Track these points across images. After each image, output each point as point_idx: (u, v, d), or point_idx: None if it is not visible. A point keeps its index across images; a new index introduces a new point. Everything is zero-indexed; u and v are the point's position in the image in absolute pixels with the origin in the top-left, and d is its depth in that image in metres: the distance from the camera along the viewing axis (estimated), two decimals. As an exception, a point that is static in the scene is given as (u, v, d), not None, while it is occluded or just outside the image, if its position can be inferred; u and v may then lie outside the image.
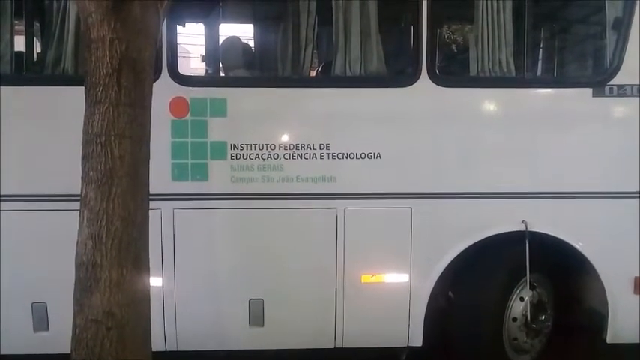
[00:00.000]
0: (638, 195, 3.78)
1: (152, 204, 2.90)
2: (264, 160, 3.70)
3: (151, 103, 2.80)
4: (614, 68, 3.80)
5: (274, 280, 3.78)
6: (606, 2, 3.87)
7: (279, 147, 3.71)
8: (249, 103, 3.76)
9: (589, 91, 3.78)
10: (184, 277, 3.72)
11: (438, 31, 3.99)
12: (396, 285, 3.82)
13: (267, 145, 3.70)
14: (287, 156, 3.71)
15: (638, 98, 3.76)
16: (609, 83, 3.77)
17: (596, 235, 3.82)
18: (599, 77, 3.89)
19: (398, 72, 4.17)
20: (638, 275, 3.84)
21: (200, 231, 3.75)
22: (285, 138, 3.75)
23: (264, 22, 5.13)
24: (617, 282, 3.84)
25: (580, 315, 4.17)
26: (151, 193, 2.86)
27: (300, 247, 3.77)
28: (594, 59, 4.49)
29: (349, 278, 3.79)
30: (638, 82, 3.74)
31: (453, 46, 6.49)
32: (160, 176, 3.39)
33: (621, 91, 3.76)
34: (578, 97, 3.82)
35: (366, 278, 3.81)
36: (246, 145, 3.69)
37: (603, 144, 3.80)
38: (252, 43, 5.09)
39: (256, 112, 3.75)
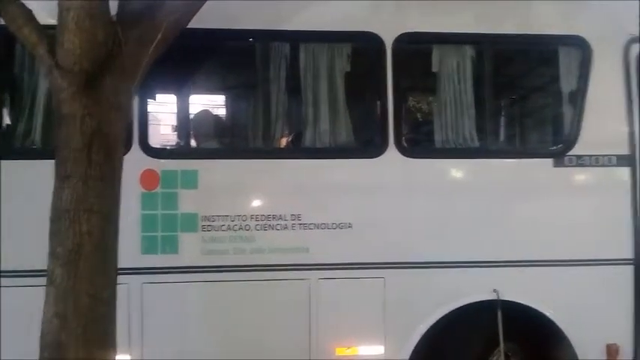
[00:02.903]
0: (606, 262, 3.87)
1: (120, 278, 2.82)
2: (235, 231, 3.69)
3: (121, 177, 2.79)
4: (572, 140, 3.96)
5: (246, 355, 3.67)
6: (560, 76, 4.07)
7: (251, 218, 3.71)
8: (220, 174, 3.78)
9: (550, 161, 3.93)
10: (153, 355, 3.59)
11: (404, 104, 4.11)
12: (371, 358, 3.76)
13: (238, 216, 3.70)
14: (258, 227, 3.71)
15: (596, 168, 3.90)
16: (568, 154, 3.92)
17: (567, 303, 3.85)
18: (558, 148, 4.04)
19: (366, 143, 4.27)
20: (610, 343, 3.86)
21: (169, 306, 3.65)
22: (256, 209, 3.75)
23: (235, 95, 5.24)
24: (590, 350, 3.85)
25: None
26: (119, 266, 2.79)
27: (273, 319, 3.71)
28: (554, 131, 4.67)
29: (323, 351, 3.72)
30: (595, 153, 3.90)
31: (419, 118, 6.68)
32: (128, 249, 3.33)
33: (580, 161, 3.91)
34: (540, 167, 3.95)
35: (341, 351, 3.75)
36: (218, 216, 3.68)
37: (566, 212, 3.90)
38: (223, 116, 5.15)
39: (227, 184, 3.76)
